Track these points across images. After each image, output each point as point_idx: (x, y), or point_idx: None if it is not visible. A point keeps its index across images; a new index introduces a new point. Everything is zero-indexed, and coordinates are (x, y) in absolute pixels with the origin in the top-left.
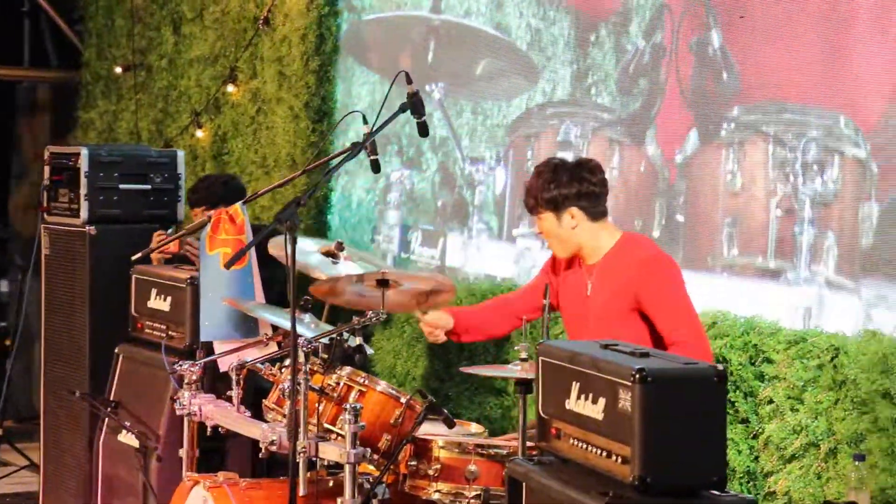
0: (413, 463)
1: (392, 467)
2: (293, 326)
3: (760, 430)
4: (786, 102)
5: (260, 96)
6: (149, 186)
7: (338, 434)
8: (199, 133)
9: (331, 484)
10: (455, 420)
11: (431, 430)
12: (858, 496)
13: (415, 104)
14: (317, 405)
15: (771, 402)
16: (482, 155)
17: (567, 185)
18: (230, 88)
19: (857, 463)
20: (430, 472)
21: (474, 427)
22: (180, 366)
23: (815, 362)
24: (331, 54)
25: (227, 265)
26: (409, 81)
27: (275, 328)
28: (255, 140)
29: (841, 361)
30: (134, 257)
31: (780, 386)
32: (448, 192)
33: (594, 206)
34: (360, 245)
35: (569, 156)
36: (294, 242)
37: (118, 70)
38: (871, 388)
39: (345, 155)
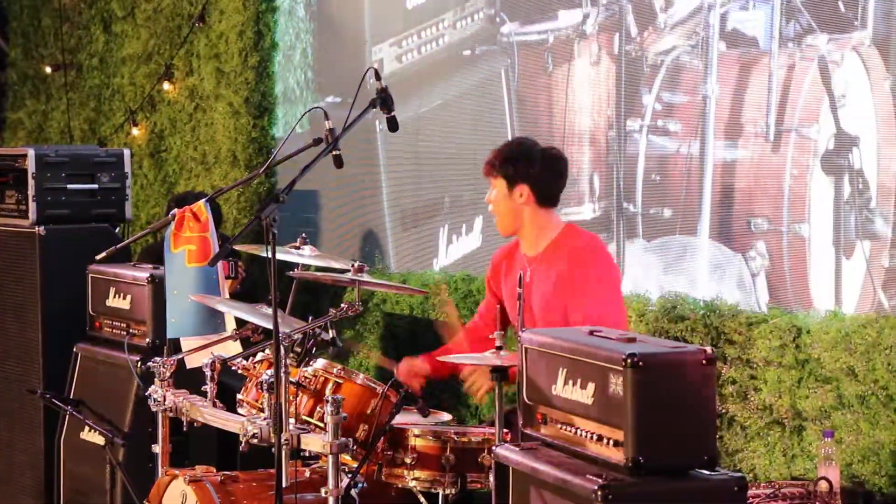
0: (389, 452)
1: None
2: (275, 323)
3: (724, 411)
4: None
5: (198, 93)
6: (96, 186)
7: (316, 425)
8: (135, 131)
9: (307, 474)
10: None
11: (405, 419)
12: (828, 471)
13: (384, 100)
14: (294, 398)
15: (734, 382)
16: None
17: (526, 163)
18: (166, 86)
19: (826, 439)
20: (407, 461)
21: (444, 416)
22: (154, 362)
23: (777, 342)
24: (269, 50)
25: (211, 262)
26: (378, 77)
27: (241, 323)
28: (193, 137)
29: (804, 341)
30: (98, 257)
31: (743, 366)
32: None
33: (546, 192)
34: None
35: None
36: (275, 239)
37: (48, 69)
38: (835, 367)
39: (321, 151)
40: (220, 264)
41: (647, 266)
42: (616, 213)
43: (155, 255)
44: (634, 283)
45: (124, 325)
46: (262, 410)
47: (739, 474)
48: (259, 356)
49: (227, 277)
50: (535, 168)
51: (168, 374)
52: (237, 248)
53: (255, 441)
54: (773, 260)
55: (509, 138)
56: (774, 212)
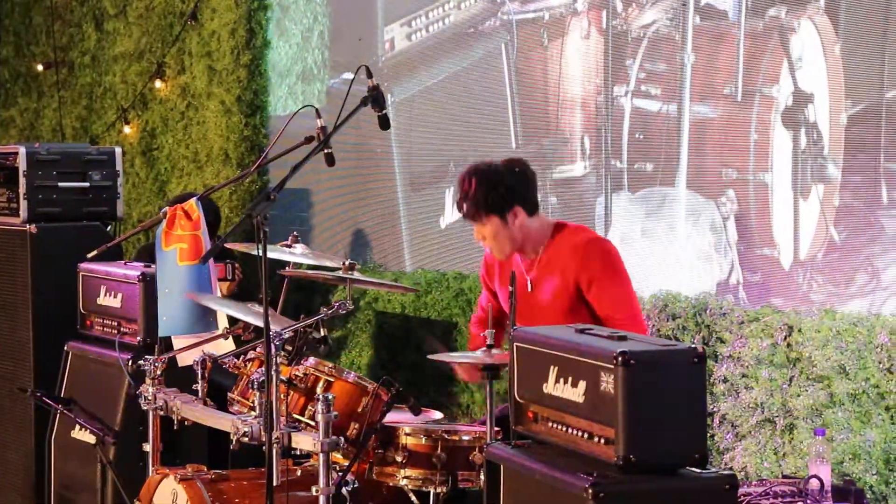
0: (380, 450)
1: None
2: (266, 321)
3: (715, 409)
4: None
5: (189, 91)
6: (87, 184)
7: (307, 424)
8: (127, 129)
9: (299, 473)
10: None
11: (397, 417)
12: (819, 470)
13: (375, 98)
14: (285, 396)
15: (725, 380)
16: None
17: (509, 186)
18: (157, 84)
19: (817, 437)
20: (398, 459)
21: (436, 414)
22: (145, 360)
23: (768, 341)
24: (262, 48)
25: (203, 260)
26: (370, 75)
27: (233, 320)
28: (185, 135)
29: (795, 339)
30: (89, 255)
31: (734, 365)
32: None
33: (532, 203)
34: None
35: None
36: (265, 236)
37: (39, 67)
38: (827, 365)
39: (312, 149)
40: (211, 264)
41: (631, 215)
42: (604, 169)
43: (151, 254)
44: (622, 235)
45: (115, 324)
46: (253, 409)
47: (730, 472)
48: (250, 354)
49: (225, 280)
50: (516, 185)
51: (159, 372)
52: (230, 247)
53: (246, 439)
54: (741, 204)
55: (467, 168)
56: (742, 162)
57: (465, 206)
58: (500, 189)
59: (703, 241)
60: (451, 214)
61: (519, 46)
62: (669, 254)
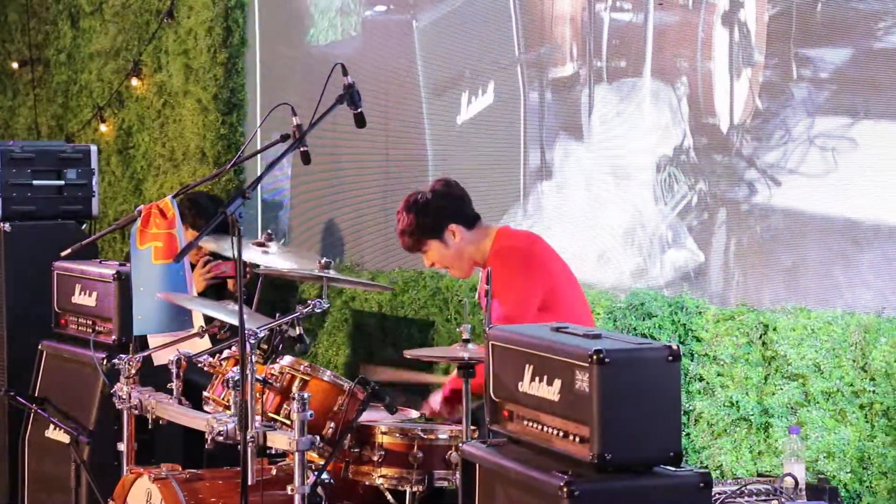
0: (356, 449)
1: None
2: (241, 318)
3: (691, 408)
4: None
5: (166, 89)
6: (63, 182)
7: (282, 423)
8: (103, 127)
9: (274, 472)
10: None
11: (373, 416)
12: (794, 468)
13: (351, 96)
14: (260, 395)
15: (701, 379)
16: None
17: (437, 208)
18: (134, 82)
19: (792, 435)
20: (374, 458)
21: (412, 413)
22: (119, 359)
23: (744, 339)
24: (238, 46)
25: (177, 258)
26: (345, 73)
27: (209, 319)
28: (162, 133)
29: (770, 338)
30: (63, 253)
31: (710, 363)
32: None
33: (465, 214)
34: None
35: None
36: (240, 234)
37: (14, 65)
38: (802, 363)
39: (287, 147)
40: (186, 261)
41: (608, 101)
42: (588, 68)
43: None
44: (601, 116)
45: (90, 323)
46: (228, 408)
47: (704, 470)
48: (226, 353)
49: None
50: (445, 205)
51: (133, 371)
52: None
53: (221, 439)
54: (691, 87)
55: (399, 206)
56: (692, 55)
57: (404, 239)
58: (429, 213)
59: (663, 117)
60: (465, 113)
61: None
62: (637, 127)
